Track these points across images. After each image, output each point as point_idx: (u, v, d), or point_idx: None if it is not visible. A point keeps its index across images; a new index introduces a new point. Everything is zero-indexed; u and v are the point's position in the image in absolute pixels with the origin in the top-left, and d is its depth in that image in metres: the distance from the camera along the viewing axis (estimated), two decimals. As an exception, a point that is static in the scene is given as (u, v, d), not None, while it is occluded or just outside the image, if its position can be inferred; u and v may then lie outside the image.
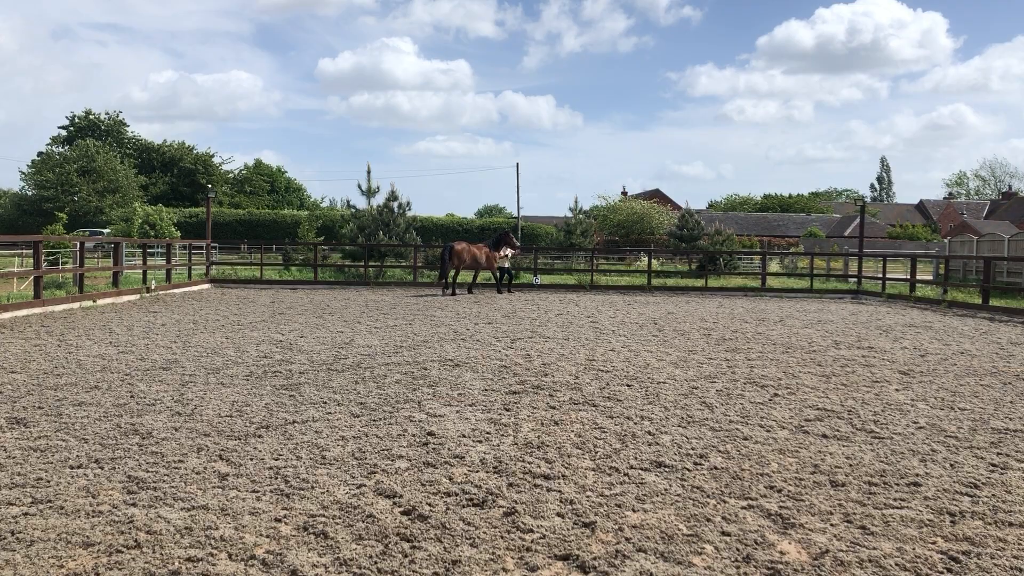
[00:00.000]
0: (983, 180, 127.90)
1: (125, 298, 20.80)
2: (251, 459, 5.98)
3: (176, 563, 4.14)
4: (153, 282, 23.87)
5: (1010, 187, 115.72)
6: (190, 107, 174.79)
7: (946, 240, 44.66)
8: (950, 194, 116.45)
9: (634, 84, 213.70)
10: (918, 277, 27.90)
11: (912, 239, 79.47)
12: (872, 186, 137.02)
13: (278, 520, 4.76)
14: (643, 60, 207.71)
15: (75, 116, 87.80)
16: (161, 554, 4.25)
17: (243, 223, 66.22)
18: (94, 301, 19.19)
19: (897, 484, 5.69)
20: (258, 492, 5.25)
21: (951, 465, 6.21)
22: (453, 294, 24.24)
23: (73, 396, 8.14)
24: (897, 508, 5.18)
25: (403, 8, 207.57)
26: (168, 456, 6.03)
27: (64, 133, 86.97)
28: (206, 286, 27.08)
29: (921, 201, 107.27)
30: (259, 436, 6.67)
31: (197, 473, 5.63)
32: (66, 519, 4.71)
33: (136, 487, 5.29)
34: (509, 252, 25.73)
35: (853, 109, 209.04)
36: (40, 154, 79.77)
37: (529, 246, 46.28)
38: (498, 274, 25.91)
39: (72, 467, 5.72)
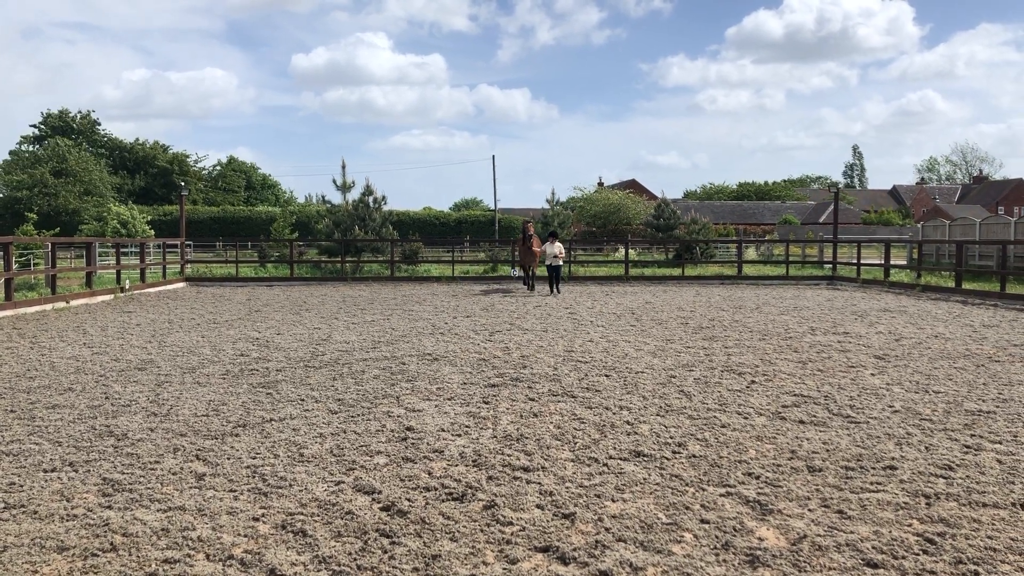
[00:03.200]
0: (954, 165, 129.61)
1: (99, 299, 20.57)
2: (228, 458, 5.93)
3: (153, 565, 4.10)
4: (127, 282, 23.62)
5: (980, 171, 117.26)
6: (164, 105, 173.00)
7: (919, 225, 45.12)
8: (922, 179, 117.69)
9: (608, 76, 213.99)
10: (892, 262, 28.17)
11: (886, 224, 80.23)
12: (844, 172, 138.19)
13: (256, 519, 4.73)
14: (616, 52, 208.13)
15: (48, 114, 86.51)
16: (138, 557, 4.20)
17: (218, 220, 65.64)
18: (67, 302, 18.96)
19: (873, 468, 5.74)
20: (236, 491, 5.20)
21: (926, 448, 6.27)
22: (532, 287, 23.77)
23: (46, 399, 8.04)
24: (873, 492, 5.23)
25: (376, 4, 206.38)
26: (144, 457, 5.96)
27: (36, 132, 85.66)
28: (181, 285, 26.85)
29: (894, 186, 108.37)
30: (236, 435, 6.61)
31: (173, 474, 5.58)
32: (40, 524, 4.65)
33: (111, 489, 5.23)
34: (558, 248, 22.80)
35: (823, 97, 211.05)
36: (12, 153, 78.53)
37: (506, 239, 46.24)
38: (532, 271, 23.86)
39: (46, 471, 5.65)
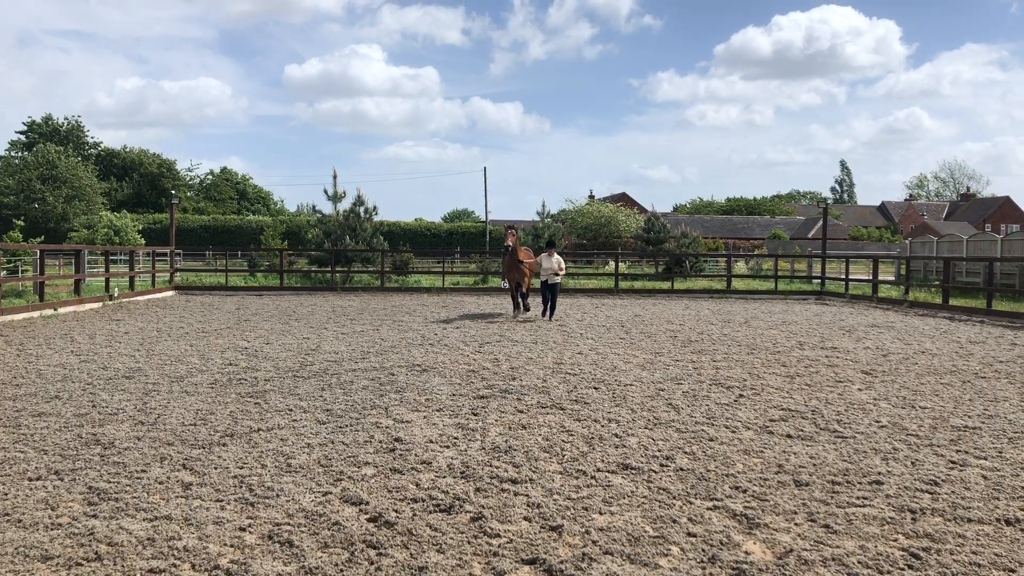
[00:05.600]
0: (943, 182, 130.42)
1: (87, 306, 20.47)
2: (215, 468, 5.91)
3: (138, 575, 4.08)
4: (116, 290, 23.51)
5: (968, 188, 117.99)
6: (157, 114, 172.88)
7: (907, 241, 45.37)
8: (911, 196, 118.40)
9: (599, 90, 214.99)
10: (880, 277, 28.30)
11: (874, 240, 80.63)
12: (833, 188, 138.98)
13: (243, 529, 4.71)
14: (607, 67, 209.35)
15: (34, 121, 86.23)
16: (123, 566, 4.18)
17: (208, 229, 65.55)
18: (55, 310, 18.86)
19: (860, 483, 5.76)
20: (222, 501, 5.18)
21: (912, 463, 6.30)
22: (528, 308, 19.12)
23: (32, 406, 7.99)
24: (860, 506, 5.25)
25: (370, 16, 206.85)
26: (130, 466, 5.93)
27: (23, 139, 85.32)
28: (170, 293, 26.74)
29: (883, 203, 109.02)
30: (223, 445, 6.59)
31: (160, 483, 5.55)
32: (24, 532, 4.62)
33: (97, 498, 5.21)
34: (556, 262, 18.07)
35: (812, 113, 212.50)
36: (1, 158, 78.24)
37: (496, 250, 46.27)
38: (523, 288, 18.87)
39: (31, 479, 5.62)
